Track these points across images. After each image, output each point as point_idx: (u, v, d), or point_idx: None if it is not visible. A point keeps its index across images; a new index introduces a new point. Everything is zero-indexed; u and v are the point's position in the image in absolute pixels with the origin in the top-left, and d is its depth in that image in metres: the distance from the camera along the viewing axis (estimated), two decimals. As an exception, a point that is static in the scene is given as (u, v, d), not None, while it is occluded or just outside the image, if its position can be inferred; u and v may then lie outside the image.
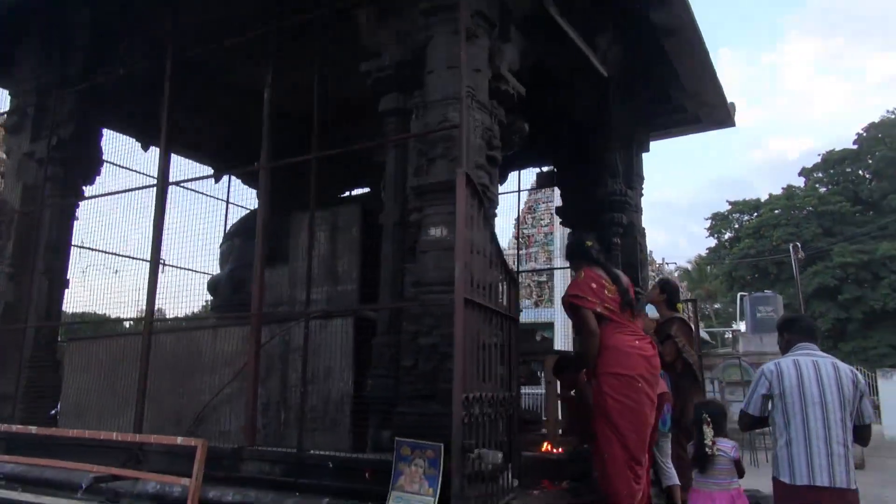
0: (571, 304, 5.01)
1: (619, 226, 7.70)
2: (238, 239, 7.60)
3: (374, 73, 5.16)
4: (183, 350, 5.82)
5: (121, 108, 7.43)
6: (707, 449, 4.39)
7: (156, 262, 5.86)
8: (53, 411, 6.38)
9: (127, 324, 7.60)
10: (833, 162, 41.22)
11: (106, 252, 7.51)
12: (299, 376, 5.25)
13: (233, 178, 8.95)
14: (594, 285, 4.99)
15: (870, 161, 39.76)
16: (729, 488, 4.40)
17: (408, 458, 4.28)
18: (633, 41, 7.44)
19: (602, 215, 7.68)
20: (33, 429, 5.67)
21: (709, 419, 4.46)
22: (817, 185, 41.67)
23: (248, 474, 4.93)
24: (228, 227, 8.24)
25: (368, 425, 4.87)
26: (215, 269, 8.87)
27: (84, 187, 7.37)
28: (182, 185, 7.01)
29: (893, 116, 39.54)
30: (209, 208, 8.43)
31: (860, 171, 40.79)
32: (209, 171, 8.97)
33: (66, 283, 7.07)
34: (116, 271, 7.87)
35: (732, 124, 8.87)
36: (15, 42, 7.45)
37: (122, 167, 7.78)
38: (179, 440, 4.85)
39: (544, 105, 7.32)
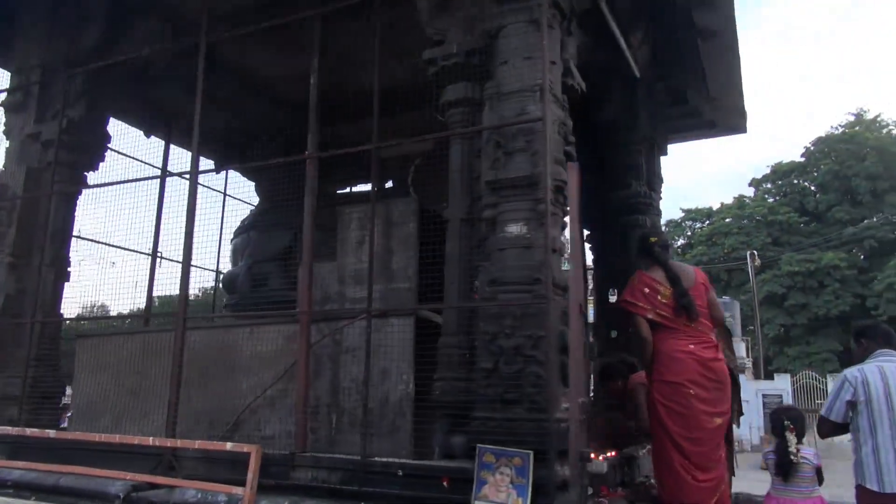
0: (625, 309, 4.89)
1: (641, 227, 7.61)
2: (255, 233, 7.25)
3: (440, 62, 4.93)
4: (215, 349, 5.46)
5: (130, 93, 6.99)
6: (792, 456, 4.31)
7: (188, 256, 5.48)
8: (70, 413, 5.93)
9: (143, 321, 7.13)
10: (781, 174, 42.47)
11: (111, 245, 7.06)
12: (352, 378, 4.99)
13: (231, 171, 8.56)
14: (646, 290, 4.83)
15: (815, 174, 41.07)
16: (811, 496, 4.33)
17: (491, 465, 4.07)
18: (662, 41, 7.38)
19: (623, 217, 7.58)
20: (52, 433, 5.24)
21: (791, 426, 4.38)
22: (766, 196, 42.88)
23: (301, 482, 4.63)
24: (241, 221, 7.87)
25: (435, 430, 4.63)
26: (209, 264, 8.50)
27: (87, 174, 6.92)
28: (203, 184, 6.62)
29: (839, 132, 40.94)
30: (219, 203, 8.06)
31: (806, 184, 42.10)
32: (214, 165, 8.56)
33: (67, 276, 6.60)
34: (113, 263, 7.42)
35: (744, 131, 8.92)
36: (16, 16, 6.94)
37: (128, 156, 7.35)
38: (229, 446, 4.52)
39: (573, 104, 7.20)
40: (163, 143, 8.24)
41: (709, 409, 4.61)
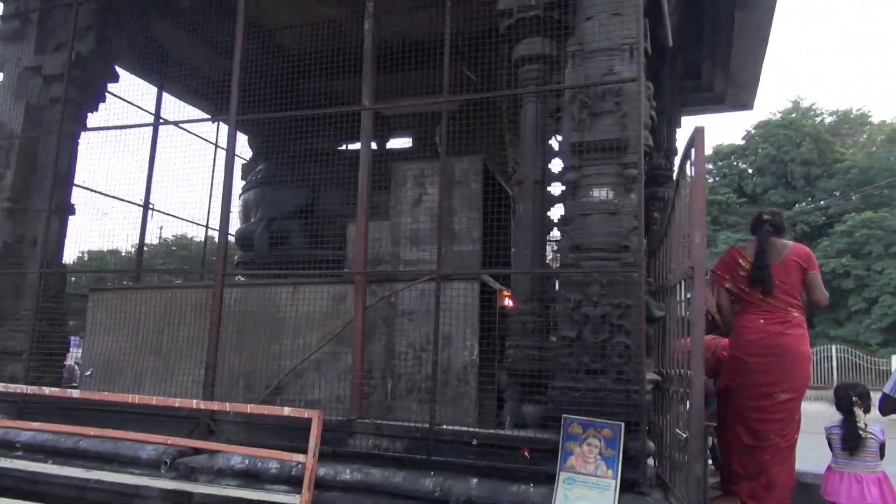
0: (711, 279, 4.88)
1: (660, 200, 7.57)
2: (268, 188, 6.85)
3: (517, 14, 4.66)
4: (252, 308, 5.13)
5: (133, 32, 6.43)
6: (861, 432, 4.34)
7: (226, 211, 5.09)
8: (89, 371, 5.49)
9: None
10: (723, 155, 43.59)
11: (113, 197, 6.57)
12: (409, 342, 4.78)
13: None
14: (730, 261, 4.84)
15: (754, 157, 42.31)
16: (875, 470, 4.38)
17: (578, 436, 3.94)
18: (690, 11, 7.27)
19: (645, 189, 7.50)
20: (75, 393, 4.82)
21: (860, 401, 4.40)
22: (707, 176, 43.94)
23: (360, 449, 4.40)
24: (249, 176, 7.43)
25: (502, 399, 4.48)
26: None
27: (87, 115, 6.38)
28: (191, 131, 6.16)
29: (777, 117, 42.24)
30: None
31: (745, 166, 43.35)
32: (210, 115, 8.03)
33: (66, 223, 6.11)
34: (105, 213, 6.92)
35: (751, 108, 8.96)
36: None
37: (129, 102, 6.84)
38: (287, 411, 4.24)
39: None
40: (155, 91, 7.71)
41: (770, 382, 4.59)
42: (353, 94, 5.14)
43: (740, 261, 4.79)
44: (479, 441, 4.15)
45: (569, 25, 4.60)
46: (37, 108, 6.04)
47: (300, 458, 4.10)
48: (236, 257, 7.05)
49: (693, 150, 3.60)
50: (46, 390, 4.85)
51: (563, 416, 3.94)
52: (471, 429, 4.24)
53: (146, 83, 7.71)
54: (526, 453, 4.03)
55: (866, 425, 4.38)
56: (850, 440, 4.38)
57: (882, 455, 4.46)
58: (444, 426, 4.29)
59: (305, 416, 4.19)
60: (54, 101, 5.99)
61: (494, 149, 6.51)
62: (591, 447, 3.90)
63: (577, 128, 4.33)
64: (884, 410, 4.27)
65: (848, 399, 4.44)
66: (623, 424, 3.83)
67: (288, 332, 5.01)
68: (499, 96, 4.89)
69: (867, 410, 4.46)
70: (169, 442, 4.46)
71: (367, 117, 4.94)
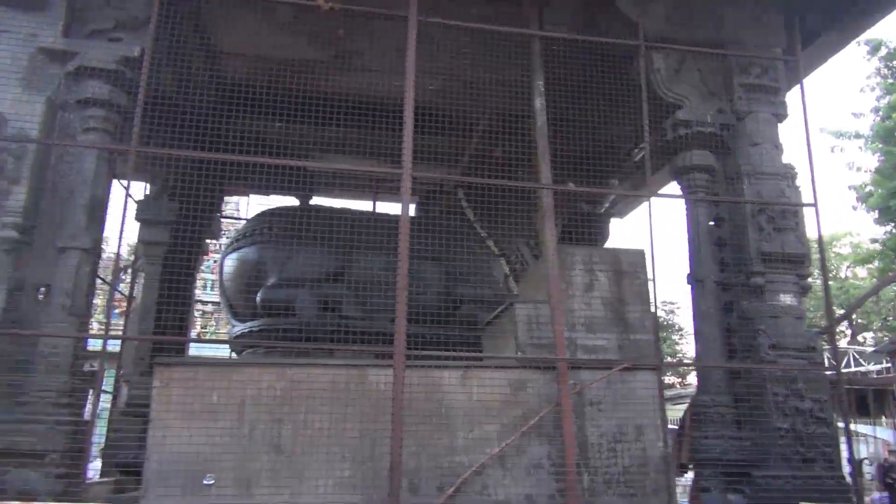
0: None
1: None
2: (277, 246, 5.77)
3: (695, 127, 5.10)
4: (413, 394, 4.38)
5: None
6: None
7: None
8: (210, 480, 3.90)
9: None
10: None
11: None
12: (601, 433, 4.61)
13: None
14: None
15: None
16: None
17: (812, 523, 4.32)
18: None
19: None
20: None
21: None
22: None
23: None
24: (237, 232, 6.19)
25: (700, 487, 4.60)
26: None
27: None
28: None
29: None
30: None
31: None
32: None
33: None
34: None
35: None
36: None
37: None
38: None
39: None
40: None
41: None
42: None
43: None
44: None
45: (730, 147, 5.20)
46: (61, 107, 4.39)
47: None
48: (253, 325, 5.61)
49: None
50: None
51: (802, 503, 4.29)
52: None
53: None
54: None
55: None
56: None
57: None
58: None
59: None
60: (84, 103, 4.43)
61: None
62: (824, 531, 4.31)
63: (762, 238, 4.90)
64: None
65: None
66: (848, 508, 4.35)
67: (460, 422, 4.41)
68: (668, 197, 5.20)
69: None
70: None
71: (547, 195, 4.80)
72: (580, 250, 5.04)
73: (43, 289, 4.16)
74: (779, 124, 5.26)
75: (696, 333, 5.00)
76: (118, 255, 4.46)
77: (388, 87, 5.60)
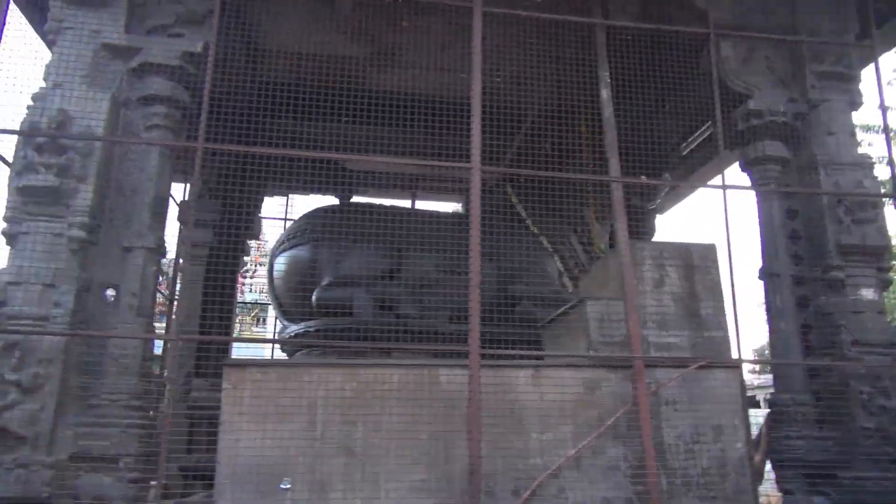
0: None
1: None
2: (335, 247, 5.67)
3: (767, 117, 4.92)
4: (486, 395, 4.25)
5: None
6: None
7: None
8: (287, 485, 3.81)
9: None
10: None
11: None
12: (678, 434, 4.46)
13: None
14: None
15: None
16: None
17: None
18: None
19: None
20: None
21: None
22: None
23: (677, 558, 3.96)
24: (293, 231, 6.09)
25: (787, 490, 4.44)
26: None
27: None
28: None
29: None
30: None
31: None
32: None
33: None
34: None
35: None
36: None
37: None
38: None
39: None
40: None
41: None
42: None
43: None
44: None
45: (803, 136, 5.02)
46: (125, 105, 4.32)
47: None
48: (307, 326, 5.52)
49: None
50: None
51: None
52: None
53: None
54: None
55: None
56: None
57: None
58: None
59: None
60: (147, 99, 4.35)
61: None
62: (919, 535, 4.13)
63: (841, 230, 4.72)
64: None
65: None
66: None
67: (533, 423, 4.28)
68: (743, 189, 5.03)
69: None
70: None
71: (618, 189, 4.65)
72: (649, 245, 4.92)
73: (112, 291, 4.09)
74: (853, 112, 5.08)
75: (771, 330, 4.83)
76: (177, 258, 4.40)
77: (427, 84, 5.49)
